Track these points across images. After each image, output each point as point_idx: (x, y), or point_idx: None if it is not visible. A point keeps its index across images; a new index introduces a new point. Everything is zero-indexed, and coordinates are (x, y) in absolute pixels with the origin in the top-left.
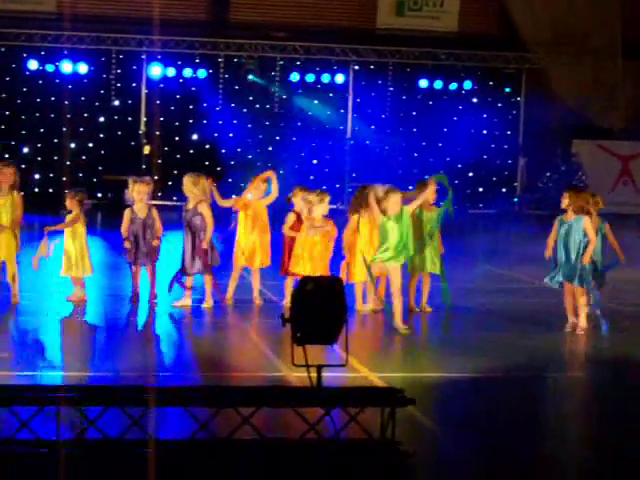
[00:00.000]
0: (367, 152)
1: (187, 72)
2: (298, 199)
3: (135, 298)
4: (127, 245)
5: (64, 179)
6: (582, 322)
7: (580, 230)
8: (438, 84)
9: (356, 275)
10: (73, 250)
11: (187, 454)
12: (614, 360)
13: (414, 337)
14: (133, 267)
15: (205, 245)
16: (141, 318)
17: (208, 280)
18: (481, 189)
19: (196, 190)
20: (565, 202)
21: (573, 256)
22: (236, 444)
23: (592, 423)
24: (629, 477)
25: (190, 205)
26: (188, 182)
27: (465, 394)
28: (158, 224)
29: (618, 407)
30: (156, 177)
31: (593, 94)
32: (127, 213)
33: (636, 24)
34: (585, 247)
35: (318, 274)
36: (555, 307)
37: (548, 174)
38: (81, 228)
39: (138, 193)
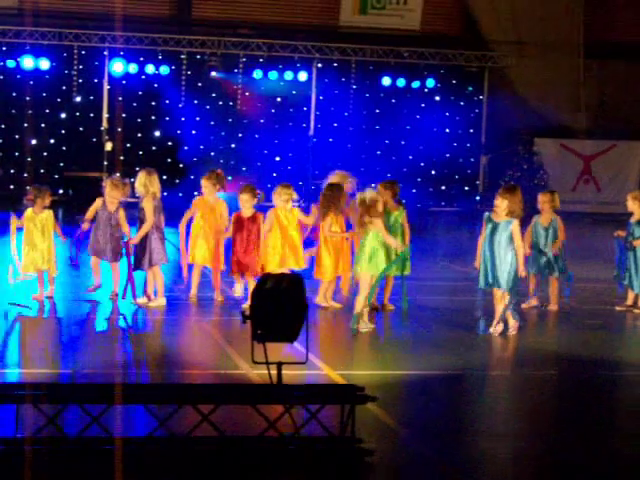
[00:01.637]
0: (330, 150)
1: (149, 69)
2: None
3: (96, 289)
4: (85, 226)
5: (25, 175)
6: (511, 321)
7: (508, 233)
8: (401, 82)
9: (325, 273)
10: (43, 245)
11: (146, 451)
12: (579, 357)
13: (376, 335)
14: (92, 259)
15: (135, 241)
16: (102, 316)
17: (152, 277)
18: (443, 187)
19: (142, 186)
20: (503, 204)
21: (497, 260)
22: (195, 442)
23: (559, 419)
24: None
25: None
26: (140, 178)
27: (427, 392)
28: (125, 227)
29: (585, 403)
30: (118, 174)
31: (555, 93)
32: (98, 201)
33: (598, 24)
34: (511, 251)
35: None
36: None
37: (510, 172)
38: (50, 225)
39: (112, 198)
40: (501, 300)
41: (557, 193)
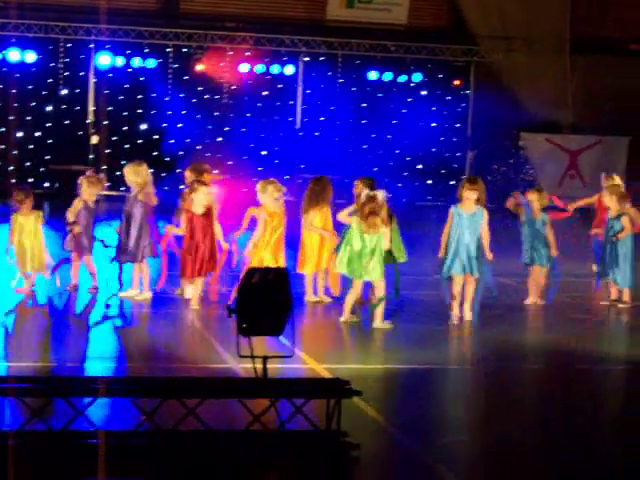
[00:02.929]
0: (316, 144)
1: (136, 62)
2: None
3: (74, 288)
4: (77, 229)
5: (11, 168)
6: (467, 314)
7: (478, 223)
8: (388, 76)
9: (307, 266)
10: (34, 248)
11: (132, 445)
12: (563, 351)
13: (362, 329)
14: (74, 255)
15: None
16: (86, 309)
17: (139, 270)
18: (430, 182)
19: (139, 179)
20: (474, 195)
21: (463, 248)
22: (181, 435)
23: (543, 413)
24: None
25: (132, 194)
26: (129, 171)
27: (412, 386)
28: None
29: (570, 397)
30: (104, 167)
31: (542, 88)
32: (78, 203)
33: (585, 19)
34: (479, 240)
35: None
36: (498, 299)
37: (496, 167)
38: (39, 227)
39: (90, 195)
40: (470, 286)
41: (544, 191)
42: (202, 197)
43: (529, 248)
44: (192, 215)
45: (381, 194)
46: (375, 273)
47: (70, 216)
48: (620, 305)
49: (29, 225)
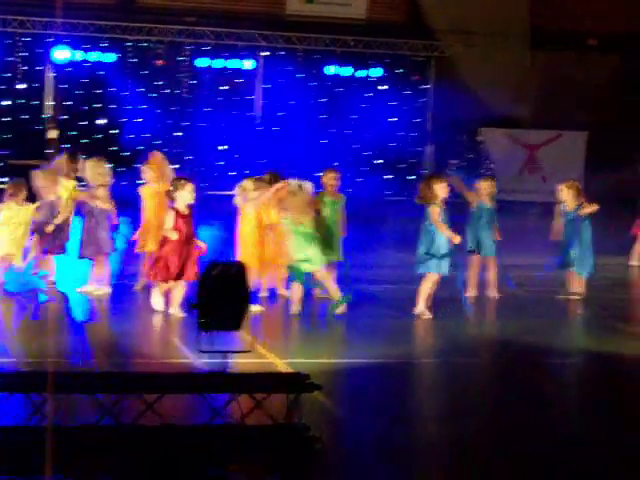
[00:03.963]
0: (276, 138)
1: (95, 56)
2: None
3: (53, 285)
4: (50, 229)
5: None
6: (419, 307)
7: (428, 218)
8: (347, 71)
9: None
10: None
11: (91, 440)
12: (516, 344)
13: (322, 323)
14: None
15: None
16: (45, 305)
17: (100, 265)
18: (389, 176)
19: (98, 176)
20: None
21: (421, 244)
22: (141, 430)
23: (499, 404)
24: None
25: (92, 190)
26: (89, 167)
27: (373, 379)
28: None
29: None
30: (39, 166)
31: (501, 83)
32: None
33: (544, 14)
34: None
35: None
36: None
37: (456, 162)
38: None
39: (47, 188)
40: (424, 282)
41: (490, 180)
42: (188, 195)
43: (474, 237)
44: (177, 214)
45: (308, 184)
46: (315, 262)
47: (35, 215)
48: (575, 297)
49: (24, 215)
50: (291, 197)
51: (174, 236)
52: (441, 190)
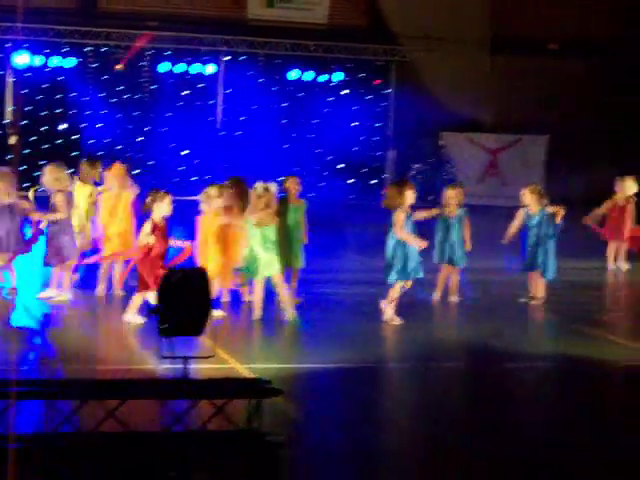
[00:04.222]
0: (237, 143)
1: (55, 61)
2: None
3: (14, 291)
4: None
5: None
6: (388, 314)
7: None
8: (309, 76)
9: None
10: None
11: (51, 448)
12: (480, 349)
13: (283, 328)
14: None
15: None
16: (5, 311)
17: (61, 272)
18: (351, 181)
19: (57, 182)
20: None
21: (388, 251)
22: (101, 437)
23: (461, 409)
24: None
25: (52, 198)
26: (47, 173)
27: (334, 384)
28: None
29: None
30: (23, 167)
31: (462, 87)
32: None
33: (505, 19)
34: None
35: None
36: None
37: (417, 166)
38: None
39: (5, 190)
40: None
41: (459, 188)
42: (166, 207)
43: (440, 244)
44: (156, 226)
45: (274, 186)
46: (274, 267)
47: None
48: (538, 300)
49: None
50: (257, 199)
51: (151, 240)
52: (410, 197)
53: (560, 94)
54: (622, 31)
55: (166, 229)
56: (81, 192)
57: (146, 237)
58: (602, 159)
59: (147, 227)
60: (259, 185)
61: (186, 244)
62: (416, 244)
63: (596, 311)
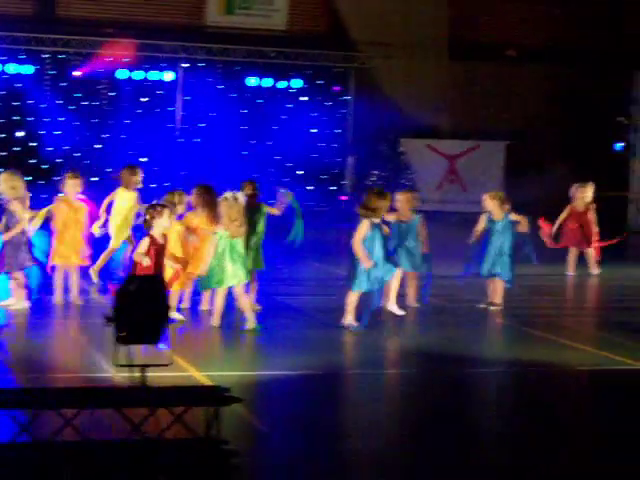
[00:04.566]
0: (196, 150)
1: (12, 68)
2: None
3: None
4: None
5: None
6: (347, 319)
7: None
8: (268, 82)
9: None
10: None
11: (7, 458)
12: (440, 355)
13: (243, 335)
14: None
15: (6, 237)
16: None
17: (17, 280)
18: (310, 187)
19: (12, 190)
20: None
21: (352, 259)
22: (58, 447)
23: (423, 417)
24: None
25: (7, 205)
26: (2, 181)
27: (293, 392)
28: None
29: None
30: None
31: (421, 94)
32: None
33: (462, 25)
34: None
35: None
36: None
37: (377, 172)
38: None
39: None
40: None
41: (412, 193)
42: (165, 221)
43: (397, 249)
44: (152, 241)
45: (241, 196)
46: (239, 277)
47: None
48: (496, 306)
49: None
50: (229, 209)
51: (146, 262)
52: (385, 208)
53: (518, 100)
54: (577, 39)
55: (164, 247)
56: (123, 198)
57: (141, 257)
58: (560, 165)
59: (143, 246)
60: (229, 195)
61: (177, 266)
62: (363, 262)
63: (554, 316)
